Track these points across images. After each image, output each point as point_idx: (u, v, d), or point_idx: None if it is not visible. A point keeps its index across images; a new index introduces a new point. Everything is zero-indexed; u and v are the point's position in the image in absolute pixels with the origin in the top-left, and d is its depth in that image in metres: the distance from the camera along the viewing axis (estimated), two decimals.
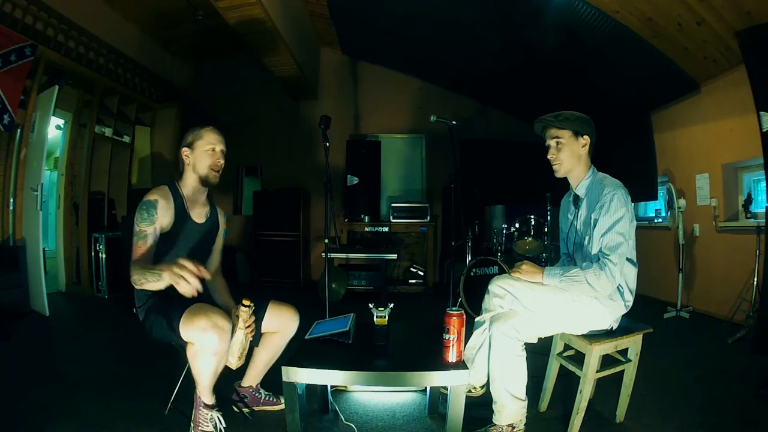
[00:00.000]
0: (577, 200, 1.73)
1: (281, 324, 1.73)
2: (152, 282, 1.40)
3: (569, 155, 1.66)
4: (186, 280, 1.28)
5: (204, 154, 1.66)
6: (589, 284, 1.52)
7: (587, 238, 1.64)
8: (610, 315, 1.62)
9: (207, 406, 1.54)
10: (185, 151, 1.67)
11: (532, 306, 1.59)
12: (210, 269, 1.79)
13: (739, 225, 3.30)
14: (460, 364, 1.40)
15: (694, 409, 1.85)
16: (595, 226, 1.58)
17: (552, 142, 1.69)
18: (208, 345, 1.38)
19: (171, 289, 1.51)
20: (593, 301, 1.59)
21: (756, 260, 2.95)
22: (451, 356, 1.41)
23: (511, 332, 1.52)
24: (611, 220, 1.53)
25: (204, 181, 1.67)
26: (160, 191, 1.59)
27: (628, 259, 1.60)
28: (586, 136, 1.66)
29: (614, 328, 1.65)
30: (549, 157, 1.71)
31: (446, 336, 1.41)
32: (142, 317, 1.59)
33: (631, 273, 1.64)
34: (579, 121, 1.65)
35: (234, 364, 1.54)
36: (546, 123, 1.69)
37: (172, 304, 1.49)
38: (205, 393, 1.52)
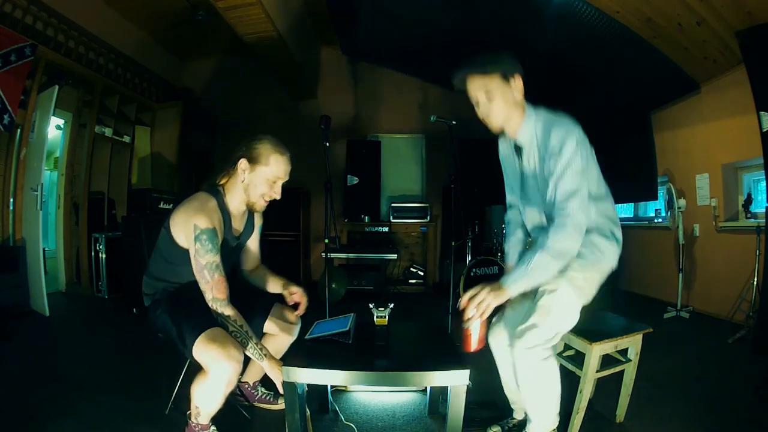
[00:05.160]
0: (519, 150, 1.48)
1: (283, 327, 1.73)
2: (246, 348, 1.40)
3: (504, 104, 1.39)
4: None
5: (263, 182, 1.48)
6: (560, 252, 1.28)
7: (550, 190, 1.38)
8: (612, 258, 1.45)
9: (204, 426, 1.44)
10: (243, 163, 1.48)
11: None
12: (249, 264, 1.78)
13: (739, 225, 3.30)
14: (465, 359, 1.37)
15: (694, 409, 1.85)
16: (551, 175, 1.34)
17: (480, 95, 1.40)
18: (223, 375, 1.32)
19: (185, 291, 1.51)
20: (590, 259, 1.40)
21: (756, 260, 2.95)
22: (473, 344, 1.34)
23: (532, 343, 1.35)
24: (563, 162, 1.31)
25: (249, 206, 1.54)
26: (211, 212, 1.42)
27: (596, 195, 1.42)
28: (516, 75, 1.39)
29: (614, 268, 1.47)
30: (481, 114, 1.43)
31: (466, 326, 1.32)
32: (148, 304, 1.56)
33: (609, 207, 1.47)
34: (504, 61, 1.39)
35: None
36: (468, 71, 1.40)
37: (186, 315, 1.42)
38: (205, 418, 1.43)
